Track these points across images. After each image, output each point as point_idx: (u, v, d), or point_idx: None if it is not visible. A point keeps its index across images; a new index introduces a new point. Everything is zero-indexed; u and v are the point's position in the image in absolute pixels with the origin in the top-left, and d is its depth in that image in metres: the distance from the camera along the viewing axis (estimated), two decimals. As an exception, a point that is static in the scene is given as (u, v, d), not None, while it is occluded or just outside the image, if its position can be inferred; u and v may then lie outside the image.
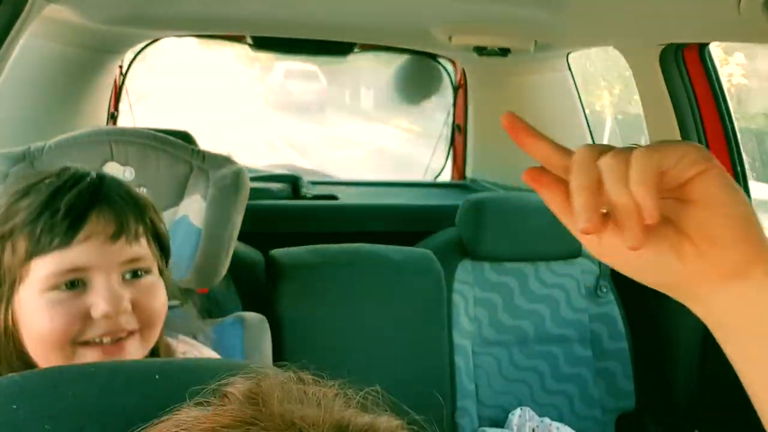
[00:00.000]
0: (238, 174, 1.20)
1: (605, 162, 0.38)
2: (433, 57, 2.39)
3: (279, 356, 1.26)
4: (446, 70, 2.45)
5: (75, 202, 0.68)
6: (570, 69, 1.99)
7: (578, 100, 2.02)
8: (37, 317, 0.67)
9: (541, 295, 1.64)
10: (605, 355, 1.65)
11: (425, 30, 1.73)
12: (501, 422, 1.56)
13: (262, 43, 2.24)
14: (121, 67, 2.19)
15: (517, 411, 1.55)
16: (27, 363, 0.69)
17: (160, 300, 0.74)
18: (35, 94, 1.69)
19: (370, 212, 1.99)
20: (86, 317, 0.68)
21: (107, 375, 0.43)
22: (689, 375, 1.56)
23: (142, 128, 1.31)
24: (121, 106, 2.21)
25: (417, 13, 1.63)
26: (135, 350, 0.71)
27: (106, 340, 0.69)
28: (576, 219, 0.39)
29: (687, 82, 1.42)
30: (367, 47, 2.30)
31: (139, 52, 2.23)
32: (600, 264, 1.68)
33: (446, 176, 2.58)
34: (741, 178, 1.46)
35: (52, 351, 0.68)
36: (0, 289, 0.69)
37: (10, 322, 0.69)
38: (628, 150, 0.38)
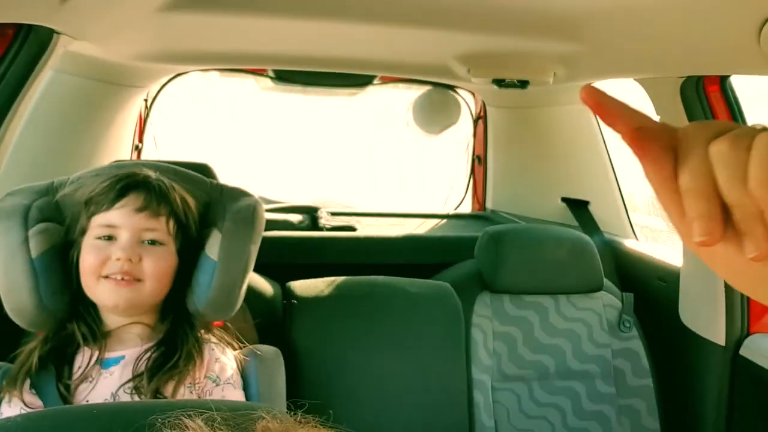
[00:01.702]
0: (254, 207, 1.21)
1: (720, 151, 0.30)
2: (452, 88, 2.40)
3: (294, 388, 1.25)
4: (465, 101, 2.46)
5: (123, 185, 1.05)
6: (590, 100, 1.98)
7: (599, 131, 2.01)
8: (84, 254, 1.03)
9: (562, 329, 1.61)
10: (629, 391, 1.60)
11: (444, 64, 1.75)
12: (521, 460, 1.52)
13: (283, 76, 2.28)
14: (146, 100, 2.23)
15: (538, 449, 1.51)
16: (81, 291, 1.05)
17: (165, 263, 1.05)
18: (61, 128, 1.73)
19: (388, 244, 1.98)
20: (108, 259, 1.01)
21: (108, 419, 0.42)
22: (717, 413, 1.51)
23: (161, 162, 1.32)
24: (146, 137, 2.26)
25: (436, 48, 1.65)
26: (140, 292, 1.02)
27: (118, 277, 1.00)
28: (690, 228, 0.30)
29: (709, 114, 1.40)
30: (386, 79, 2.32)
31: (164, 85, 2.28)
32: (623, 297, 1.64)
33: (466, 207, 2.58)
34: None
35: (88, 279, 1.02)
36: (78, 236, 1.06)
37: (76, 258, 1.05)
38: (749, 133, 0.30)
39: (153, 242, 1.04)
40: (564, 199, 2.13)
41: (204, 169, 1.57)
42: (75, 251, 1.06)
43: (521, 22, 1.37)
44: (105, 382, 1.01)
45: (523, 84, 1.74)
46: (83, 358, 1.03)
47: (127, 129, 2.07)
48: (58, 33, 1.09)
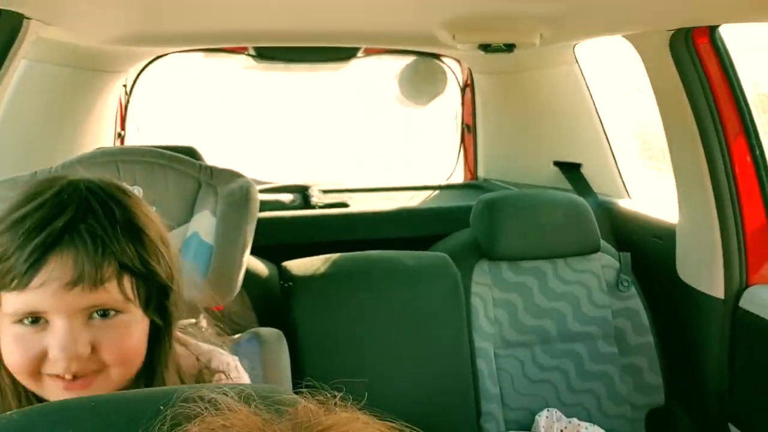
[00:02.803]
0: (246, 188, 1.19)
1: None
2: (438, 57, 2.37)
3: (297, 369, 1.24)
4: (451, 69, 2.43)
5: (39, 243, 0.66)
6: (577, 61, 1.96)
7: (587, 92, 1.99)
8: (5, 348, 0.69)
9: (561, 292, 1.61)
10: (631, 350, 1.61)
11: (429, 31, 1.71)
12: (528, 425, 1.52)
13: (264, 54, 2.23)
14: (125, 86, 2.19)
15: (544, 413, 1.51)
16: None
17: (131, 339, 0.71)
18: (41, 118, 1.69)
19: (382, 218, 1.97)
20: (44, 355, 0.68)
21: (109, 409, 0.41)
22: (719, 366, 1.52)
23: (147, 147, 1.30)
24: (128, 124, 2.22)
25: (420, 15, 1.61)
26: (100, 389, 0.70)
27: (68, 376, 0.68)
28: None
29: (699, 67, 1.39)
30: (370, 51, 2.29)
31: (142, 70, 2.23)
32: (620, 257, 1.64)
33: (457, 177, 2.56)
34: (760, 161, 1.42)
35: (23, 379, 0.70)
36: None
37: None
38: None
39: (105, 314, 0.69)
40: (556, 163, 2.11)
41: (190, 152, 1.54)
42: None
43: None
44: None
45: (509, 48, 1.71)
46: None
47: (108, 116, 2.03)
48: (28, 18, 1.05)
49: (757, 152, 1.41)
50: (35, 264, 0.65)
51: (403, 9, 1.57)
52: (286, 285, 1.44)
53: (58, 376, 0.68)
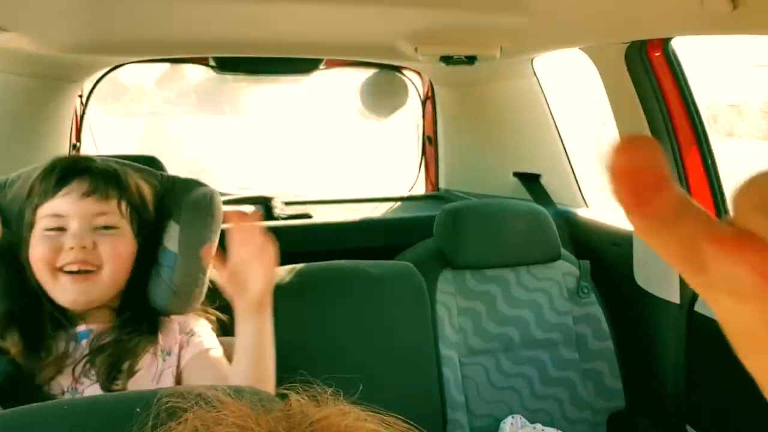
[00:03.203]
0: (210, 196, 1.17)
1: None
2: (399, 69, 2.39)
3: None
4: (412, 82, 2.45)
5: (65, 172, 1.00)
6: (536, 75, 2.00)
7: (546, 105, 2.03)
8: (34, 247, 0.98)
9: (524, 300, 1.63)
10: (591, 355, 1.64)
11: (391, 43, 1.73)
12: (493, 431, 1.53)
13: (225, 65, 2.21)
14: (81, 96, 2.14)
15: (509, 419, 1.52)
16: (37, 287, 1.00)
17: (122, 247, 1.01)
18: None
19: (345, 229, 1.96)
20: (61, 249, 0.96)
21: (82, 412, 0.40)
22: (676, 369, 1.56)
23: (107, 156, 1.27)
24: (83, 136, 2.16)
25: (382, 27, 1.63)
26: (98, 283, 0.98)
27: (74, 268, 0.96)
28: None
29: (653, 78, 1.44)
30: (332, 63, 2.29)
31: (99, 81, 2.18)
32: (580, 265, 1.68)
33: (419, 189, 2.58)
34: (712, 170, 1.47)
35: (42, 275, 0.97)
36: (26, 232, 1.00)
37: (28, 255, 0.99)
38: None
39: (106, 227, 1.00)
40: (516, 174, 2.15)
41: (152, 162, 1.51)
42: (24, 248, 1.01)
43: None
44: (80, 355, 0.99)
45: (470, 60, 1.74)
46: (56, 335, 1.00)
47: (64, 127, 1.98)
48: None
49: (709, 161, 1.46)
50: (63, 180, 0.99)
51: (366, 21, 1.58)
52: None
53: (68, 272, 0.96)
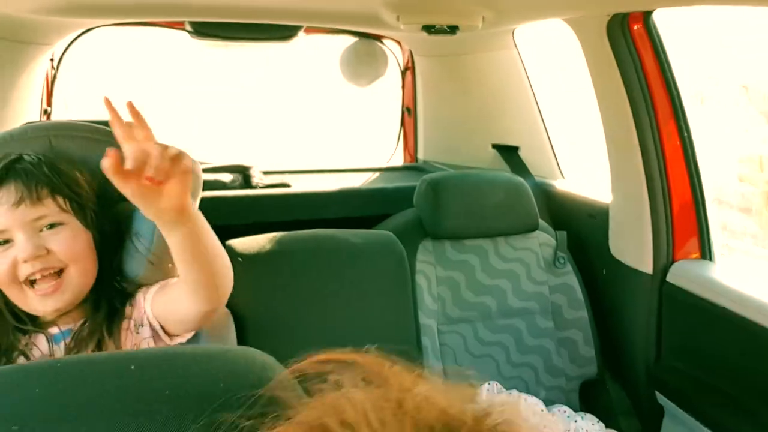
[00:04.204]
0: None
1: None
2: (379, 39, 2.37)
3: (243, 346, 1.23)
4: (393, 52, 2.43)
5: None
6: (516, 46, 2.00)
7: (526, 77, 2.04)
8: None
9: (501, 270, 1.66)
10: (566, 324, 1.68)
11: (373, 10, 1.71)
12: (470, 398, 1.56)
13: (201, 31, 2.16)
14: (52, 60, 2.08)
15: (485, 386, 1.56)
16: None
17: (77, 243, 0.98)
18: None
19: (324, 199, 1.96)
20: (16, 263, 0.93)
21: (77, 371, 0.39)
22: (647, 337, 1.61)
23: (82, 122, 1.24)
24: (55, 101, 2.11)
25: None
26: (68, 284, 0.96)
27: (38, 277, 0.94)
28: None
29: (633, 51, 1.45)
30: (311, 31, 2.26)
31: (70, 44, 2.12)
32: (557, 235, 1.70)
33: (397, 160, 2.58)
34: (688, 143, 1.49)
35: (8, 291, 0.95)
36: None
37: None
38: None
39: (51, 226, 0.96)
40: (495, 146, 2.16)
41: (128, 128, 1.48)
42: None
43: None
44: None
45: (452, 29, 1.73)
46: (30, 340, 0.98)
47: (34, 91, 1.92)
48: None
49: (685, 134, 1.48)
50: None
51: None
52: (233, 264, 1.41)
53: (32, 283, 0.94)
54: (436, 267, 1.60)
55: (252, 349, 0.46)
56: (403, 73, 2.46)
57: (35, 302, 0.95)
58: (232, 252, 1.45)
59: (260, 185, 1.99)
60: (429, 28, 1.73)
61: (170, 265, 1.10)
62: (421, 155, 2.46)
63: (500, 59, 2.06)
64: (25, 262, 0.92)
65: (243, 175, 2.02)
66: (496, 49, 2.03)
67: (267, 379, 0.41)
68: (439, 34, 1.75)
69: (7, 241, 0.94)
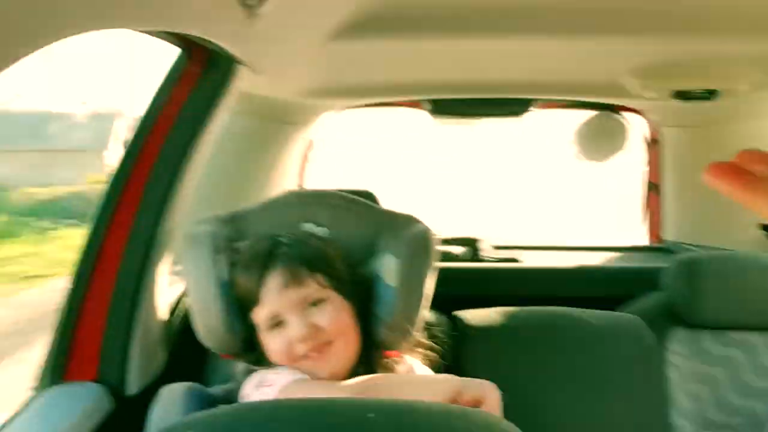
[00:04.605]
0: (427, 233, 1.16)
1: None
2: (615, 109, 2.24)
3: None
4: (632, 124, 2.29)
5: (260, 267, 1.03)
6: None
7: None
8: (269, 347, 1.03)
9: (776, 371, 1.38)
10: None
11: (612, 79, 1.62)
12: None
13: (439, 109, 2.26)
14: (308, 139, 2.31)
15: None
16: None
17: (340, 316, 1.03)
18: (236, 164, 1.82)
19: (558, 275, 1.85)
20: (292, 341, 1.01)
21: (319, 409, 0.38)
22: None
23: (331, 190, 1.33)
24: (308, 175, 2.33)
25: (603, 62, 1.53)
26: (334, 356, 1.01)
27: (312, 353, 1.00)
28: None
29: None
30: (544, 105, 2.22)
31: (322, 124, 2.35)
32: None
33: (634, 238, 2.37)
34: None
35: (284, 361, 1.02)
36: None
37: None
38: None
39: (315, 303, 1.02)
40: (763, 226, 1.87)
41: (368, 196, 1.56)
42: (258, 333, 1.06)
43: (710, 19, 1.23)
44: None
45: (710, 95, 1.56)
46: None
47: (293, 164, 2.15)
48: (238, 62, 1.13)
49: None
50: (261, 277, 1.02)
51: (585, 56, 1.50)
52: (458, 334, 1.37)
53: (305, 355, 1.00)
54: (690, 360, 1.39)
55: (493, 414, 0.41)
56: (649, 146, 2.29)
57: (305, 369, 1.01)
58: (459, 322, 1.42)
59: (489, 258, 1.96)
60: (681, 95, 1.59)
61: (409, 329, 1.10)
62: (668, 235, 2.22)
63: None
64: (300, 341, 0.99)
65: (472, 248, 2.00)
66: (765, 117, 1.79)
67: None
68: (693, 101, 1.60)
69: (279, 323, 1.01)
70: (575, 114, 2.31)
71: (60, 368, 1.11)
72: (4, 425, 0.94)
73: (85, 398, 1.07)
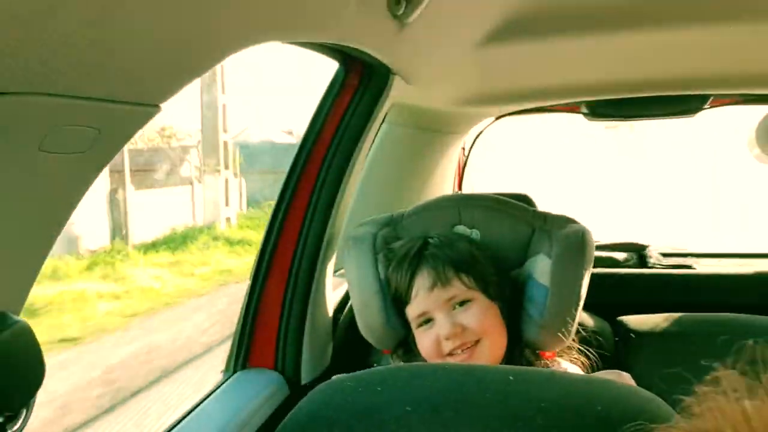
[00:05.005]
0: (583, 233, 1.14)
1: None
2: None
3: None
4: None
5: (408, 271, 1.09)
6: None
7: None
8: (419, 342, 1.09)
9: None
10: None
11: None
12: None
13: (597, 112, 2.17)
14: (463, 148, 2.35)
15: None
16: None
17: (487, 317, 1.06)
18: (393, 171, 1.91)
19: (735, 282, 1.69)
20: (440, 340, 1.05)
21: (461, 373, 0.41)
22: None
23: (485, 193, 1.35)
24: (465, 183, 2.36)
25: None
26: (479, 354, 1.04)
27: (457, 351, 1.04)
28: None
29: None
30: (718, 102, 2.05)
31: (479, 134, 2.37)
32: None
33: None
34: None
35: (431, 360, 1.05)
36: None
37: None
38: None
39: (462, 303, 1.06)
40: None
41: (524, 199, 1.56)
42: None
43: None
44: None
45: None
46: None
47: (449, 172, 2.20)
48: (393, 73, 1.20)
49: None
50: (410, 280, 1.09)
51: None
52: (622, 340, 1.32)
53: (450, 354, 1.04)
54: None
55: (641, 389, 0.42)
56: None
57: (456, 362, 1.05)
58: (622, 328, 1.37)
59: (657, 266, 1.85)
60: None
61: (563, 330, 1.09)
62: None
63: None
64: (447, 339, 1.04)
65: (638, 254, 1.91)
66: None
67: (651, 413, 0.37)
68: None
69: (428, 321, 1.07)
70: (754, 110, 2.11)
71: (244, 356, 1.25)
72: (203, 399, 1.08)
73: (266, 383, 1.19)
